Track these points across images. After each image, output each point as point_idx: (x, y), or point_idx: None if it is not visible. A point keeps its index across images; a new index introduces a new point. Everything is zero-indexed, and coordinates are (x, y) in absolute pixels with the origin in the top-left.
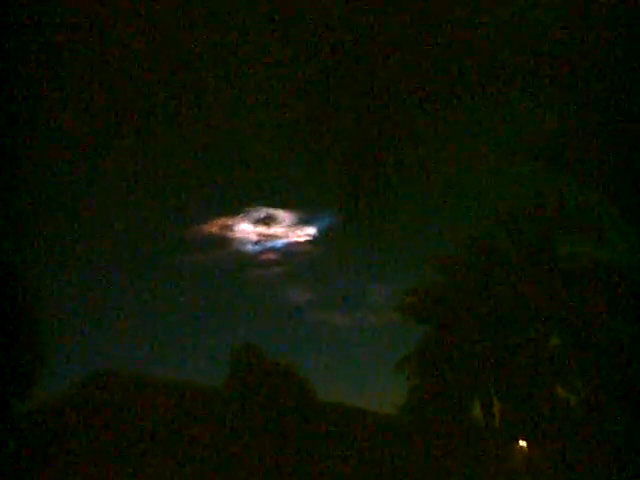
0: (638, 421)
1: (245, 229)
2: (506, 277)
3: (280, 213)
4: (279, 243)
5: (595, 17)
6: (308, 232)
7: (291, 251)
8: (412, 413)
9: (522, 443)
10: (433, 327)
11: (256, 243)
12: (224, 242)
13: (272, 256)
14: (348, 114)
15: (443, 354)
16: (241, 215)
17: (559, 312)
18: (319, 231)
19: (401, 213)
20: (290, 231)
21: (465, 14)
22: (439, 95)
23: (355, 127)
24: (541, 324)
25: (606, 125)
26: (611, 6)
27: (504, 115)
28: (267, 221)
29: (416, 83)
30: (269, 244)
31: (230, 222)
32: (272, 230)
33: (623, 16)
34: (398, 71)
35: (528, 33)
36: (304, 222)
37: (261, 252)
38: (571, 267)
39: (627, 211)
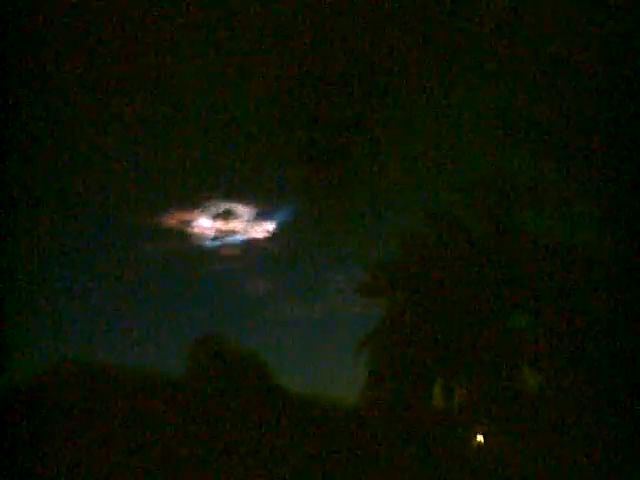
0: (605, 406)
1: (203, 224)
2: (468, 253)
3: (238, 207)
4: (238, 238)
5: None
6: (267, 227)
7: (250, 245)
8: (371, 396)
9: (479, 438)
10: (393, 306)
11: (214, 238)
12: (182, 237)
13: (231, 251)
14: (306, 99)
15: (402, 333)
16: (199, 210)
17: (523, 290)
18: (278, 225)
19: (361, 193)
20: (249, 226)
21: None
22: (400, 72)
23: (313, 107)
24: (505, 302)
25: (571, 104)
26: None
27: (466, 91)
28: (225, 215)
29: (376, 62)
30: (228, 239)
31: (188, 216)
32: (231, 224)
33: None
34: (355, 47)
35: (489, 15)
36: (263, 216)
37: (220, 247)
38: (535, 244)
39: (591, 189)
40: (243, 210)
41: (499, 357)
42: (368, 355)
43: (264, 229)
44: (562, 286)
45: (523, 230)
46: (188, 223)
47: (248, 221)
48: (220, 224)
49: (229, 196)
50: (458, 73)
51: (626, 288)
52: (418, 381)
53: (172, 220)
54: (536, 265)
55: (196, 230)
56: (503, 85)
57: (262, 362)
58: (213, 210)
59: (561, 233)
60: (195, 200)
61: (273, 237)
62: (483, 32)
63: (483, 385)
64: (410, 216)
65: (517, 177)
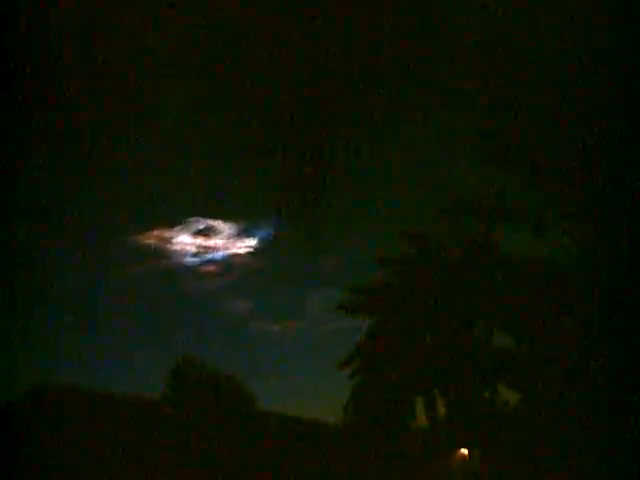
0: (583, 420)
1: (184, 241)
2: (447, 273)
3: (219, 224)
4: (218, 255)
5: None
6: (248, 243)
7: (231, 262)
8: (353, 414)
9: (463, 451)
10: (374, 324)
11: (195, 255)
12: (162, 254)
13: (212, 268)
14: (286, 120)
15: (385, 350)
16: (179, 227)
17: (501, 309)
18: (259, 242)
19: (340, 213)
20: (229, 243)
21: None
22: (377, 95)
23: (292, 130)
24: (484, 321)
25: (549, 124)
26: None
27: (442, 112)
28: (206, 232)
29: (353, 86)
30: (208, 256)
31: (168, 234)
32: (211, 242)
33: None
34: (334, 68)
35: (466, 32)
36: (244, 233)
37: (200, 264)
38: (511, 263)
39: (566, 207)
40: (224, 227)
41: (478, 374)
42: (350, 374)
43: (246, 245)
44: (540, 305)
45: (501, 250)
46: (168, 240)
47: (229, 238)
48: (201, 240)
49: (210, 213)
50: (436, 95)
51: (604, 307)
52: (400, 398)
53: (151, 238)
54: (515, 285)
55: (176, 247)
56: (483, 107)
57: (240, 383)
58: (194, 227)
59: (539, 253)
60: (176, 217)
61: (254, 254)
62: (462, 55)
63: (463, 402)
64: (389, 236)
65: (494, 197)
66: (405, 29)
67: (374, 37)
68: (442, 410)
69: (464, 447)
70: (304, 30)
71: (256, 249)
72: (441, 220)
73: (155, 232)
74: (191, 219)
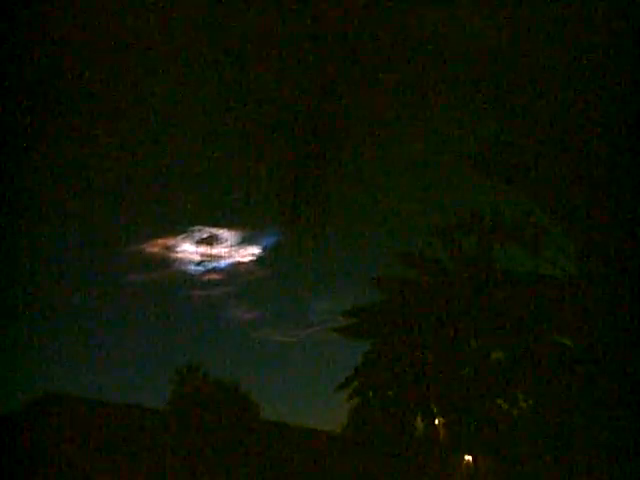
0: (582, 432)
1: (187, 249)
2: (445, 291)
3: (223, 232)
4: (222, 263)
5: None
6: (252, 251)
7: (235, 271)
8: (355, 431)
9: (467, 457)
10: (373, 345)
11: (199, 263)
12: (166, 263)
13: (215, 276)
14: (288, 130)
15: (383, 371)
16: (183, 235)
17: (499, 325)
18: (263, 250)
19: (342, 228)
20: (233, 251)
21: (403, 20)
22: (378, 112)
23: (296, 143)
24: (482, 337)
25: (546, 138)
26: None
27: (439, 125)
28: (210, 241)
29: (355, 99)
30: (212, 264)
31: (172, 242)
32: (215, 250)
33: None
34: (332, 80)
35: (462, 39)
36: (247, 241)
37: (204, 272)
38: (509, 279)
39: (564, 224)
40: (228, 235)
41: (477, 390)
42: (351, 391)
43: (249, 253)
44: (537, 321)
45: (498, 267)
46: (172, 248)
47: (233, 246)
48: (205, 249)
49: (214, 221)
50: (433, 110)
51: (602, 323)
52: (400, 414)
53: (155, 246)
54: (511, 301)
55: (180, 255)
56: (481, 124)
57: (244, 392)
58: (197, 235)
59: (537, 269)
60: (179, 225)
61: (258, 262)
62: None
63: (462, 416)
64: (388, 256)
65: (493, 216)
66: (400, 42)
67: (373, 46)
68: (441, 424)
69: (468, 454)
70: (309, 35)
71: (260, 257)
72: (438, 238)
73: (159, 240)
74: (195, 227)
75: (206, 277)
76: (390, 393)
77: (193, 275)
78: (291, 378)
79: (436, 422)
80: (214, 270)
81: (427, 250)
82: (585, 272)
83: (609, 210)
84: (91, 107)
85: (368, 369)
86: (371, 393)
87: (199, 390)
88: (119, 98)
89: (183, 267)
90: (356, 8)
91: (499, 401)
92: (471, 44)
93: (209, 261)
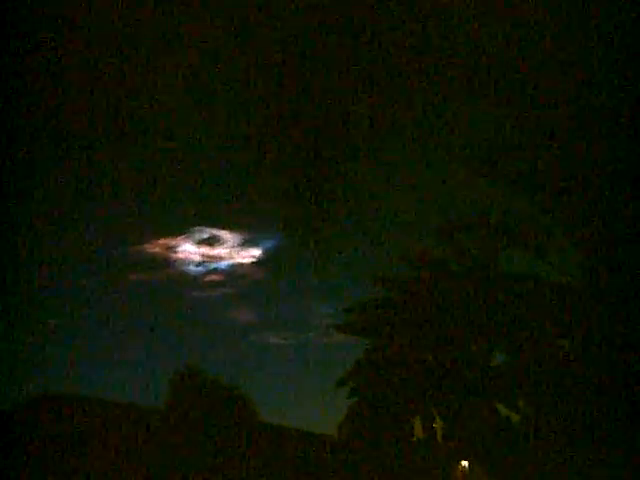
0: (582, 439)
1: (188, 250)
2: (448, 292)
3: (224, 234)
4: (223, 264)
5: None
6: (252, 253)
7: (235, 272)
8: (350, 431)
9: (464, 463)
10: (373, 343)
11: (199, 264)
12: (166, 263)
13: (216, 277)
14: (292, 132)
15: (382, 370)
16: (184, 236)
17: (502, 329)
18: (263, 252)
19: (344, 230)
20: (234, 252)
21: (406, 20)
22: (381, 117)
23: (298, 145)
24: (484, 341)
25: (551, 140)
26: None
27: (444, 127)
28: (211, 242)
29: (359, 102)
30: (213, 265)
31: (173, 243)
32: (216, 251)
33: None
34: (336, 86)
35: (466, 40)
36: (248, 243)
37: (205, 273)
38: (513, 283)
39: (568, 229)
40: (228, 236)
41: (477, 394)
42: (348, 391)
43: (250, 255)
44: (540, 325)
45: (501, 269)
46: (173, 249)
47: (233, 247)
48: (205, 250)
49: (215, 222)
50: (437, 112)
51: (605, 328)
52: (398, 415)
53: (156, 247)
54: (514, 305)
55: (180, 256)
56: (483, 125)
57: (242, 394)
58: (198, 236)
59: (541, 272)
60: (180, 226)
61: (258, 264)
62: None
63: (462, 420)
64: (390, 255)
65: (497, 217)
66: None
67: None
68: (440, 427)
69: (465, 460)
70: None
71: (260, 259)
72: (442, 240)
73: (160, 241)
74: (195, 228)
75: (206, 278)
76: (387, 392)
77: (193, 276)
78: (290, 381)
79: (435, 426)
80: (214, 271)
81: (433, 251)
82: (589, 278)
83: (614, 216)
84: (91, 107)
85: (367, 368)
86: (371, 393)
87: (198, 391)
88: (120, 98)
89: (183, 268)
90: (361, 11)
91: (499, 406)
92: (471, 44)
93: (209, 262)
